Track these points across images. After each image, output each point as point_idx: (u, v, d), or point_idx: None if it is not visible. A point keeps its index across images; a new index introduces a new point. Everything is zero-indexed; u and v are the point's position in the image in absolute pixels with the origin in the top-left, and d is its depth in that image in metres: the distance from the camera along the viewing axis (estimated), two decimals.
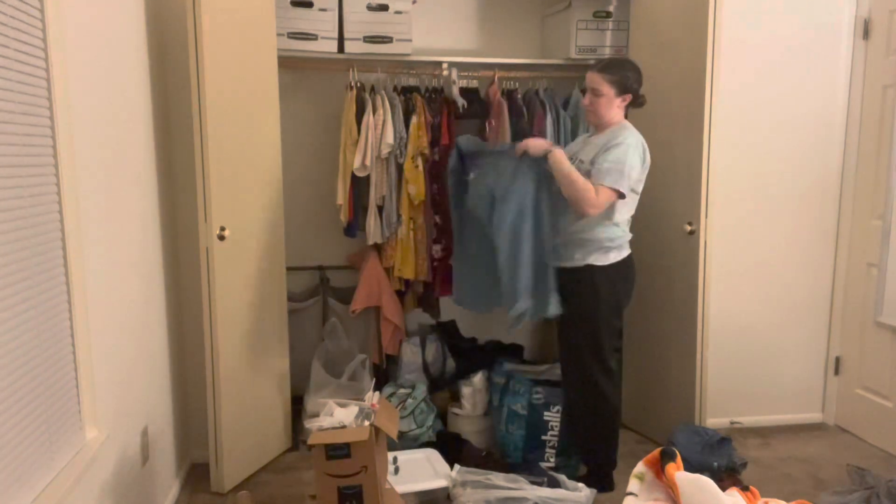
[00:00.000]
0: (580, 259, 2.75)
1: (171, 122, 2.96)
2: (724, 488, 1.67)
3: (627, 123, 2.78)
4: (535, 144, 2.72)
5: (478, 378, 3.30)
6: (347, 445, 2.05)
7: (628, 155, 2.64)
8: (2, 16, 1.51)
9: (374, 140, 3.20)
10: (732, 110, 3.32)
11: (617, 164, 2.63)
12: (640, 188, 2.76)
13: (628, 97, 2.75)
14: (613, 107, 2.74)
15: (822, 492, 2.80)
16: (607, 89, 2.72)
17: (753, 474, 2.98)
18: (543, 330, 3.89)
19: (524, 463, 2.97)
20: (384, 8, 3.22)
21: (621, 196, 2.65)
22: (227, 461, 2.84)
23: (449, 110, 3.34)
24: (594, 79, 2.75)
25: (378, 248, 3.39)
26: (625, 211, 2.75)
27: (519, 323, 2.79)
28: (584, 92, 3.49)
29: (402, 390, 3.24)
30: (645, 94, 2.79)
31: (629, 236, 2.81)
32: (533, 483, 2.52)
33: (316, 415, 2.27)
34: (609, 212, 2.70)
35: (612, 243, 2.75)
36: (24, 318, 1.60)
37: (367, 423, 2.14)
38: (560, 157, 2.67)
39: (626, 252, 2.80)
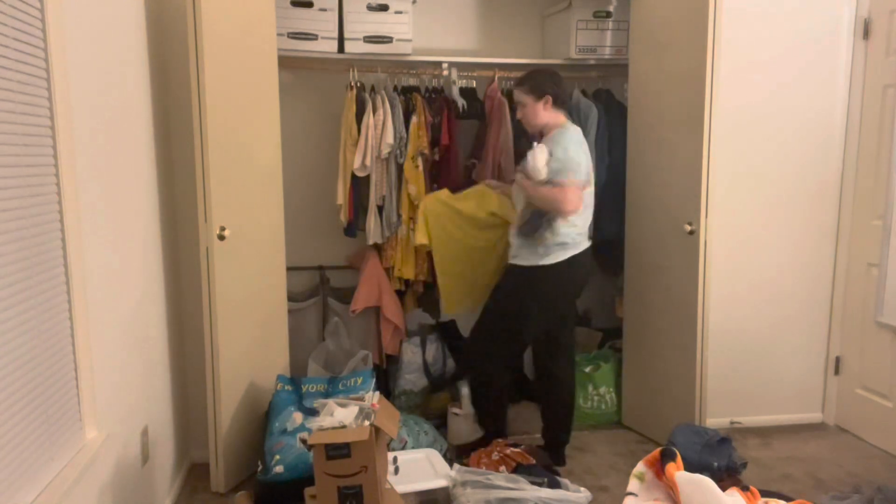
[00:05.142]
0: None
1: (171, 122, 2.96)
2: (724, 488, 1.68)
3: (568, 125, 2.94)
4: (500, 188, 3.09)
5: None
6: (347, 445, 2.05)
7: (569, 150, 2.81)
8: (2, 16, 1.51)
9: (374, 140, 3.20)
10: (732, 110, 3.32)
11: (566, 161, 2.80)
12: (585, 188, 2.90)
13: (548, 98, 2.90)
14: (539, 112, 2.92)
15: (823, 494, 2.80)
16: (526, 98, 2.93)
17: (753, 474, 2.98)
18: None
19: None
20: (384, 8, 3.22)
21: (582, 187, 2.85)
22: (227, 461, 2.84)
23: (449, 110, 3.34)
24: (515, 94, 3.00)
25: (378, 248, 3.39)
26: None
27: None
28: (584, 93, 3.55)
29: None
30: (563, 92, 2.97)
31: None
32: (533, 483, 2.52)
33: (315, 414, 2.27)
34: None
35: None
36: (25, 318, 1.60)
37: (367, 423, 2.14)
38: (525, 185, 2.89)
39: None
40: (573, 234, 2.88)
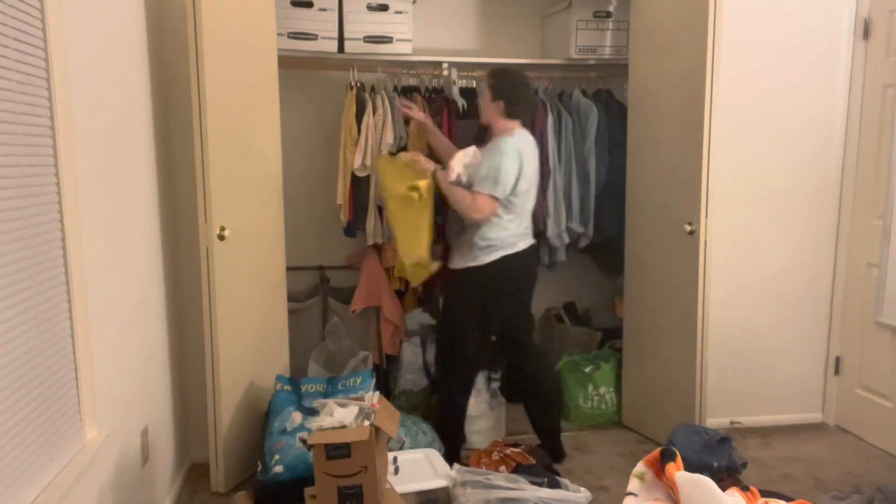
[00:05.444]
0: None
1: (171, 122, 2.96)
2: (724, 488, 1.67)
3: (516, 132, 2.90)
4: (424, 164, 2.97)
5: (477, 378, 3.29)
6: (347, 445, 2.05)
7: (503, 162, 2.81)
8: (2, 16, 1.51)
9: (374, 140, 3.20)
10: (732, 110, 3.32)
11: (494, 171, 2.81)
12: (519, 195, 2.87)
13: (500, 105, 2.90)
14: (490, 110, 2.93)
15: (823, 494, 2.80)
16: (486, 91, 2.94)
17: (753, 474, 2.98)
18: (544, 330, 3.89)
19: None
20: (384, 8, 3.22)
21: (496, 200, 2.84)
22: (227, 461, 2.84)
23: (449, 110, 3.34)
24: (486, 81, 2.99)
25: (378, 248, 3.38)
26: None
27: None
28: (584, 93, 3.54)
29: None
30: (522, 106, 2.93)
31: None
32: (533, 483, 2.52)
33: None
34: None
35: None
36: (25, 318, 1.60)
37: (367, 423, 2.14)
38: (441, 177, 2.91)
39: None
40: (504, 236, 2.90)
